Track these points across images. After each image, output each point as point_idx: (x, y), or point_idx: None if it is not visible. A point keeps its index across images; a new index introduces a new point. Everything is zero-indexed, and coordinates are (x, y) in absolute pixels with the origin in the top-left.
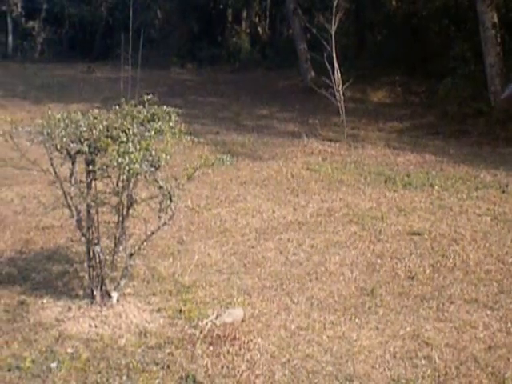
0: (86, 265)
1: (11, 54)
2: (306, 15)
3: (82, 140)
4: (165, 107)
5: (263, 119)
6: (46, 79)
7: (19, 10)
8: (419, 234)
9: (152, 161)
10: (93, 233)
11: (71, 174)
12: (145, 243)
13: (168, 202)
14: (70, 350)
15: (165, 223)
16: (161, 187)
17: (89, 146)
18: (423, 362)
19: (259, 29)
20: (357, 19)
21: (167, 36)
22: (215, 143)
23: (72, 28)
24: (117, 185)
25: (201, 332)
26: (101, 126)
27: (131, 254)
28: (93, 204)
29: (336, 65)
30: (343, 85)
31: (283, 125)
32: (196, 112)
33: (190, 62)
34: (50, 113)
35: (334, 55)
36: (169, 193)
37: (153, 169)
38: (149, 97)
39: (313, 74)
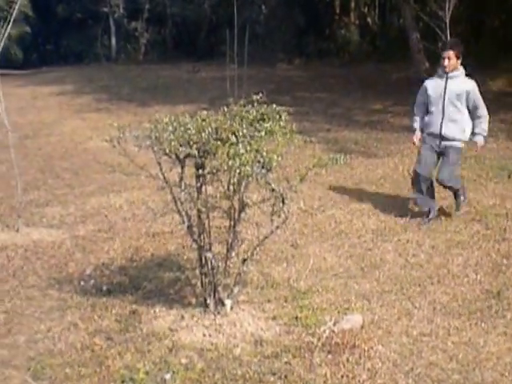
0: (197, 272)
1: (115, 56)
2: (417, 3)
3: (191, 143)
4: (274, 106)
5: (376, 114)
6: (151, 81)
7: (121, 11)
8: None
9: (263, 162)
10: (204, 238)
11: (181, 179)
12: (258, 248)
13: (281, 204)
14: (184, 361)
15: (278, 227)
16: (273, 190)
17: (198, 150)
18: None
19: (368, 19)
20: (472, 4)
21: (273, 31)
22: (327, 141)
23: (175, 27)
24: (228, 188)
25: (318, 340)
26: (210, 129)
27: (244, 260)
28: (203, 209)
29: None
30: None
31: (397, 119)
32: (305, 109)
33: (297, 57)
34: (157, 116)
35: None
36: (281, 195)
37: (264, 171)
38: (258, 96)
39: (427, 64)
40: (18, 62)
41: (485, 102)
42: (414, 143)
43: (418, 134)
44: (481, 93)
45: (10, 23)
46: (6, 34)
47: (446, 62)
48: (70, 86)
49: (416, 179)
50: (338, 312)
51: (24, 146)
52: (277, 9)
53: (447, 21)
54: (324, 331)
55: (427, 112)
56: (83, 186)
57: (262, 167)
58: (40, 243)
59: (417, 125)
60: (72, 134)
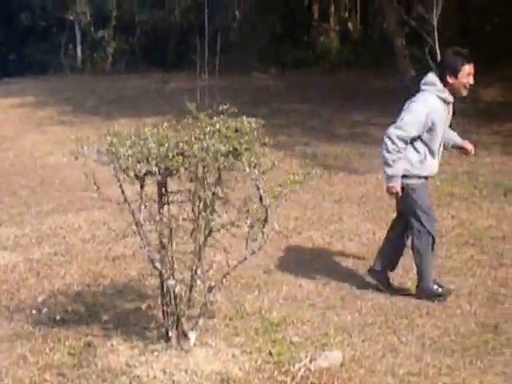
0: (159, 300)
1: (81, 66)
2: (402, 6)
3: (151, 159)
4: (244, 118)
5: (358, 126)
6: (118, 92)
7: (87, 18)
8: None
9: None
10: (166, 264)
11: (140, 199)
12: (227, 276)
13: (261, 224)
14: None
15: (254, 252)
16: (261, 198)
17: (158, 167)
18: None
19: (350, 25)
20: (461, 8)
21: (247, 39)
22: (304, 156)
23: (144, 36)
24: (193, 210)
25: (293, 379)
26: (170, 143)
27: (211, 288)
28: (165, 231)
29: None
30: None
31: (382, 132)
32: (282, 121)
33: (273, 65)
34: (116, 127)
35: (438, 49)
36: (266, 209)
37: (255, 171)
38: (225, 106)
39: (413, 72)
40: None
41: (477, 113)
42: (395, 193)
43: (399, 181)
44: (472, 103)
45: None
46: None
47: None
48: (31, 98)
49: (431, 247)
50: (315, 347)
51: None
52: (251, 14)
53: (435, 24)
54: (299, 369)
55: (418, 150)
56: (41, 205)
57: (254, 167)
58: None
59: (399, 168)
60: (32, 149)
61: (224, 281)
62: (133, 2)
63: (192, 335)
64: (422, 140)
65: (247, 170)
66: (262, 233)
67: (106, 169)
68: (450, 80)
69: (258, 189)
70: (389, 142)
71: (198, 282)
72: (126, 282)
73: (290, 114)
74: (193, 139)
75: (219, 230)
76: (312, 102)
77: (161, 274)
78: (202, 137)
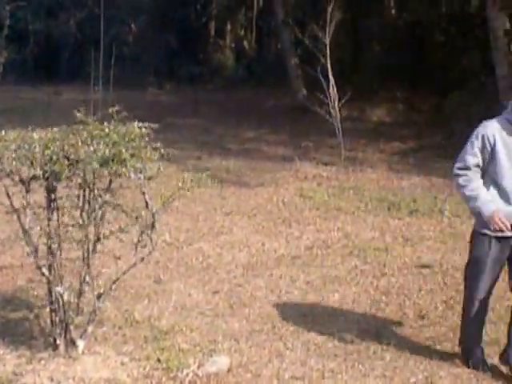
0: (47, 309)
1: None
2: (297, 26)
3: (35, 163)
4: (136, 123)
5: (250, 142)
6: (8, 103)
7: None
8: (429, 267)
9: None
10: (54, 272)
11: (26, 205)
12: (116, 282)
13: (149, 231)
14: None
15: (143, 258)
16: (147, 204)
17: (44, 171)
18: None
19: (245, 43)
20: (353, 30)
21: (143, 53)
22: (196, 170)
23: (37, 46)
24: (81, 216)
25: None
26: (55, 147)
27: (99, 295)
28: (54, 238)
29: (332, 79)
30: (339, 101)
31: (273, 148)
32: (175, 136)
33: (168, 81)
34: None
35: (329, 68)
36: (153, 215)
37: (141, 176)
38: (115, 108)
39: (304, 91)
40: None
41: (364, 132)
42: (501, 227)
43: (494, 207)
44: (360, 122)
45: None
46: None
47: None
48: None
49: (477, 315)
50: (203, 354)
51: None
52: (147, 29)
53: (327, 43)
54: (187, 375)
55: (485, 187)
56: None
57: (140, 172)
58: None
59: (484, 194)
60: None
61: (113, 287)
62: (27, 11)
63: (80, 343)
64: (488, 174)
65: (132, 175)
66: (151, 239)
67: None
68: None
69: (144, 194)
70: (456, 178)
71: (87, 288)
72: (13, 292)
73: (183, 129)
74: (80, 143)
75: (108, 237)
76: (205, 117)
77: (49, 281)
78: (89, 141)
